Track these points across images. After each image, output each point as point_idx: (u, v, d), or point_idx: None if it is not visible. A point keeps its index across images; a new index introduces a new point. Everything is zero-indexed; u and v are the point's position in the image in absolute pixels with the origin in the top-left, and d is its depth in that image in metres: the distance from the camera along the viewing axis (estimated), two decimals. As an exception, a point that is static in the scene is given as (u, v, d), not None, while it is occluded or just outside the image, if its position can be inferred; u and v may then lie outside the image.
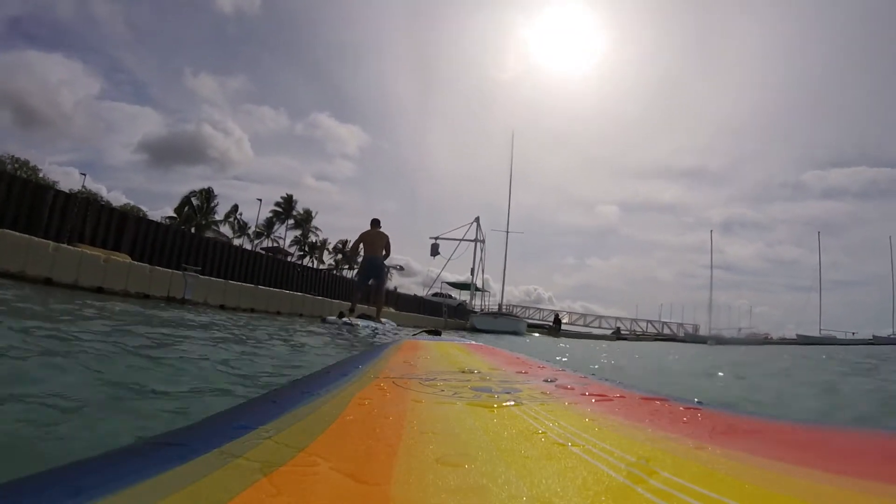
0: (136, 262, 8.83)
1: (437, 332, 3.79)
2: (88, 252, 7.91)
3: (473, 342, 2.96)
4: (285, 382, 1.64)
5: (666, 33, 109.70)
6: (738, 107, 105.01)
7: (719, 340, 34.66)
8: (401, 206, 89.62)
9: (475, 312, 29.07)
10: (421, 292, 28.49)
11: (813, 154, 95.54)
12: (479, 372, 1.32)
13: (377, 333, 7.39)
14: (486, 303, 34.94)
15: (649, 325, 42.16)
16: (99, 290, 7.66)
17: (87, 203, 9.63)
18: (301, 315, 10.91)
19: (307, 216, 46.71)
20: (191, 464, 0.46)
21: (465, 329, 21.75)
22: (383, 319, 9.43)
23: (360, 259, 9.77)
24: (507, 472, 0.47)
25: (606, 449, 0.53)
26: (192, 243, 11.58)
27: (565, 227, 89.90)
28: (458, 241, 30.84)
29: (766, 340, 37.13)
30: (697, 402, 0.87)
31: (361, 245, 9.36)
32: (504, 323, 23.54)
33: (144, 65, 79.02)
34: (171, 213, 39.61)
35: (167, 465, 0.45)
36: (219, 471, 0.44)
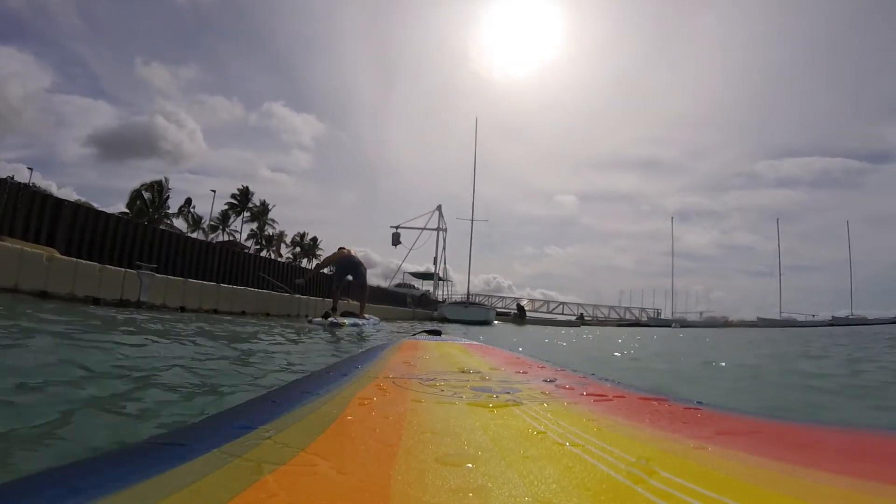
0: (83, 261, 7.36)
1: (437, 332, 3.78)
2: (29, 249, 6.51)
3: (474, 342, 2.96)
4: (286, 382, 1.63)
5: (625, 27, 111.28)
6: (695, 99, 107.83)
7: (683, 324, 35.28)
8: (359, 197, 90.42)
9: (442, 302, 28.79)
10: (381, 284, 26.67)
11: (767, 144, 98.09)
12: (478, 372, 1.32)
13: (362, 330, 7.38)
14: (449, 292, 34.70)
15: (611, 310, 42.52)
16: (42, 295, 6.36)
17: (17, 188, 7.70)
18: (268, 314, 9.96)
19: (263, 208, 45.40)
20: (191, 464, 0.46)
21: (433, 319, 21.32)
22: (367, 315, 9.40)
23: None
24: (508, 472, 0.47)
25: (606, 449, 0.53)
26: (144, 236, 9.87)
27: (524, 217, 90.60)
28: (419, 231, 30.54)
29: (726, 323, 37.82)
30: (697, 402, 0.87)
31: (330, 261, 9.59)
32: (474, 312, 23.27)
33: (97, 56, 78.53)
34: (123, 209, 36.95)
35: (167, 465, 0.45)
36: (219, 471, 0.44)
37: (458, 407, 0.80)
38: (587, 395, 0.95)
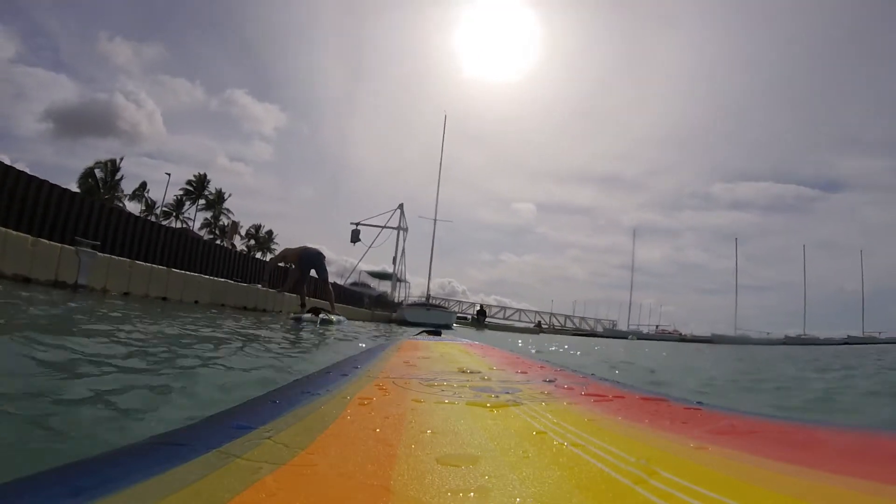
0: (12, 231, 6.30)
1: (437, 333, 3.78)
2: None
3: (474, 342, 2.96)
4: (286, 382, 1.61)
5: (592, 46, 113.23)
6: (656, 120, 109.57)
7: (639, 336, 35.63)
8: (318, 192, 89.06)
9: (399, 304, 27.94)
10: (337, 282, 24.82)
11: (723, 167, 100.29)
12: (479, 372, 1.32)
13: (344, 328, 7.29)
14: (407, 294, 33.44)
15: (567, 319, 42.55)
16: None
17: None
18: (223, 305, 8.96)
19: (219, 197, 43.02)
20: (191, 464, 0.46)
21: (392, 321, 20.75)
22: (338, 313, 9.23)
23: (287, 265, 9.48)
24: (508, 472, 0.47)
25: (607, 449, 0.53)
26: (81, 210, 8.53)
27: (481, 223, 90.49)
28: (380, 229, 29.15)
29: (680, 338, 38.18)
30: (697, 402, 0.87)
31: (289, 256, 9.32)
32: (435, 315, 22.47)
33: (64, 28, 72.27)
34: (74, 188, 35.17)
35: (167, 465, 0.45)
36: (219, 471, 0.44)
37: (459, 407, 0.80)
38: (587, 395, 0.95)
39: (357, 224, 29.04)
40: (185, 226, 38.73)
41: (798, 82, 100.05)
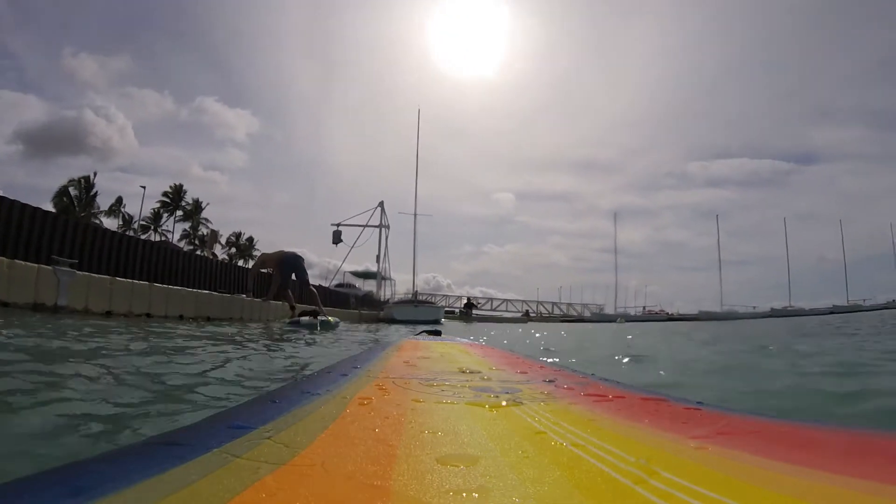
0: None
1: (437, 333, 3.79)
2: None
3: (474, 342, 2.96)
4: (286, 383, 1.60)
5: (563, 31, 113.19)
6: (629, 102, 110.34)
7: (627, 318, 35.51)
8: (296, 196, 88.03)
9: (386, 302, 27.35)
10: (322, 284, 23.56)
11: (698, 146, 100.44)
12: (479, 372, 1.32)
13: (336, 328, 7.45)
14: (392, 292, 32.88)
15: (554, 306, 42.50)
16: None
17: None
18: (209, 318, 8.49)
19: (197, 207, 42.74)
20: (191, 464, 0.46)
21: (380, 320, 20.27)
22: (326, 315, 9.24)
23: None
24: (508, 472, 0.47)
25: (607, 449, 0.53)
26: (55, 229, 8.30)
27: (463, 216, 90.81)
28: (361, 228, 28.89)
29: (668, 317, 38.27)
30: (697, 402, 0.87)
31: (268, 262, 9.35)
32: (423, 311, 21.86)
33: (28, 48, 72.77)
34: (49, 208, 33.92)
35: (167, 465, 0.45)
36: (219, 471, 0.44)
37: (459, 407, 0.80)
38: (587, 395, 0.95)
39: (338, 225, 28.70)
40: (164, 238, 38.22)
41: (767, 57, 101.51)
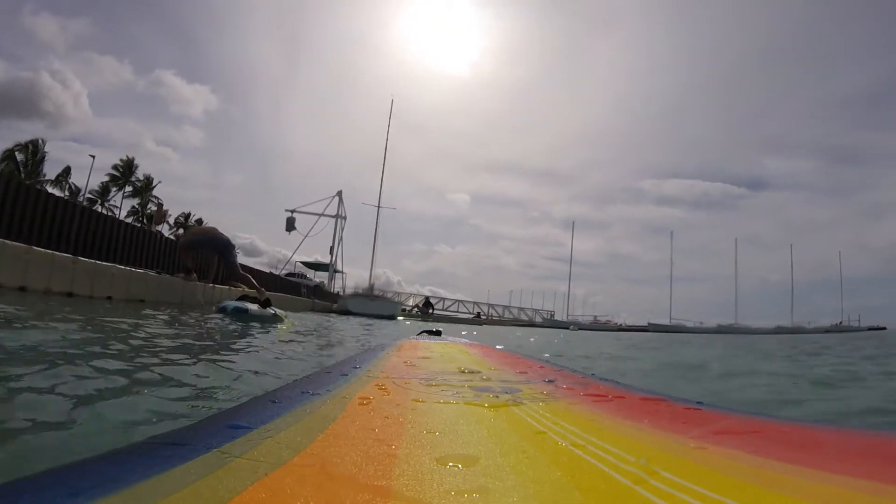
0: None
1: (437, 333, 3.79)
2: None
3: (474, 342, 2.96)
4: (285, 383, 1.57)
5: (532, 42, 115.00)
6: (590, 116, 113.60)
7: (580, 326, 35.91)
8: (250, 179, 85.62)
9: (338, 294, 26.72)
10: (272, 272, 22.62)
11: (653, 165, 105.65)
12: (479, 372, 1.32)
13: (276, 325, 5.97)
14: (343, 285, 31.59)
15: (506, 310, 42.24)
16: None
17: None
18: (143, 301, 7.26)
19: (147, 184, 40.10)
20: (191, 464, 0.46)
21: (333, 311, 19.60)
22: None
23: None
24: (508, 472, 0.47)
25: (607, 449, 0.53)
26: None
27: (416, 213, 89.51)
28: (317, 216, 27.93)
29: (618, 327, 38.76)
30: (697, 402, 0.87)
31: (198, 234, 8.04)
32: (380, 306, 21.24)
33: None
34: None
35: (167, 465, 0.45)
36: (219, 471, 0.44)
37: (459, 407, 0.80)
38: (587, 395, 0.95)
39: (293, 211, 27.54)
40: (110, 213, 35.80)
41: (728, 84, 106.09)
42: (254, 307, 6.34)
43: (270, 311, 6.59)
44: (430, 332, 3.78)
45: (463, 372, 1.32)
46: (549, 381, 1.13)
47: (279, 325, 5.91)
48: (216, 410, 0.82)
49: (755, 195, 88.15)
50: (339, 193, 28.92)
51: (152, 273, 8.13)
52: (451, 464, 0.49)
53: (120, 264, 7.84)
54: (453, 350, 2.19)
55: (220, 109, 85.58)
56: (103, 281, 7.04)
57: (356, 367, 1.35)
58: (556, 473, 0.46)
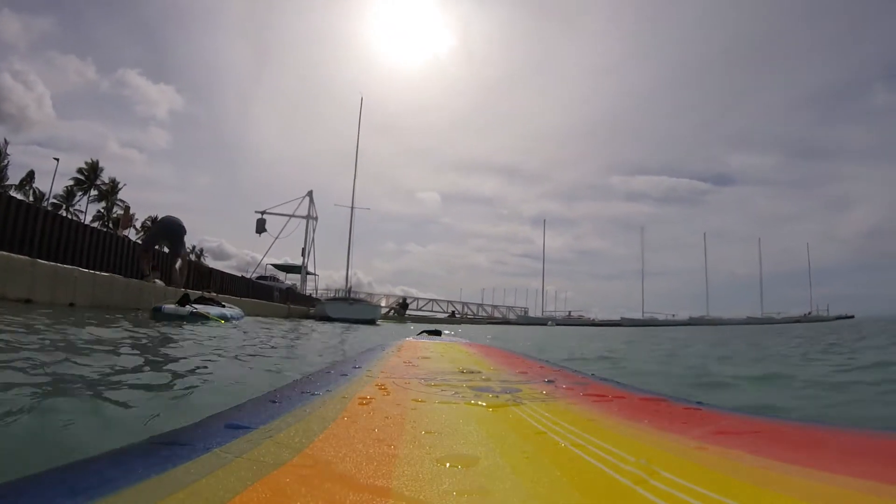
0: None
1: (437, 333, 3.79)
2: None
3: (474, 342, 2.96)
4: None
5: (501, 41, 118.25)
6: (560, 114, 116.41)
7: (557, 322, 36.37)
8: (217, 181, 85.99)
9: (309, 297, 25.92)
10: (242, 276, 21.17)
11: (621, 162, 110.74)
12: (479, 372, 1.32)
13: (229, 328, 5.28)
14: (315, 286, 31.34)
15: (480, 308, 42.30)
16: None
17: None
18: (108, 307, 6.69)
19: (113, 187, 39.28)
20: (191, 464, 0.46)
21: (310, 317, 19.15)
22: (225, 304, 7.19)
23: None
24: (508, 472, 0.47)
25: (607, 449, 0.53)
26: None
27: (387, 213, 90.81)
28: (287, 217, 27.12)
29: (592, 322, 39.02)
30: (697, 402, 0.87)
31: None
32: (359, 310, 20.08)
33: None
34: None
35: (167, 465, 0.45)
36: (219, 471, 0.44)
37: (459, 407, 0.80)
38: (587, 395, 0.95)
39: (263, 213, 26.84)
40: (75, 218, 33.79)
41: (694, 82, 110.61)
42: (171, 307, 5.66)
43: (187, 308, 5.64)
44: (430, 332, 3.78)
45: (463, 372, 1.32)
46: (549, 381, 1.13)
47: (209, 324, 5.25)
48: (216, 410, 0.80)
49: (721, 190, 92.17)
50: (310, 194, 28.29)
51: (120, 277, 7.35)
52: (451, 464, 0.49)
53: (85, 268, 7.18)
54: (453, 350, 2.19)
55: (186, 109, 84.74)
56: (66, 286, 6.39)
57: (356, 367, 1.35)
58: (556, 473, 0.46)
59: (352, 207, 28.28)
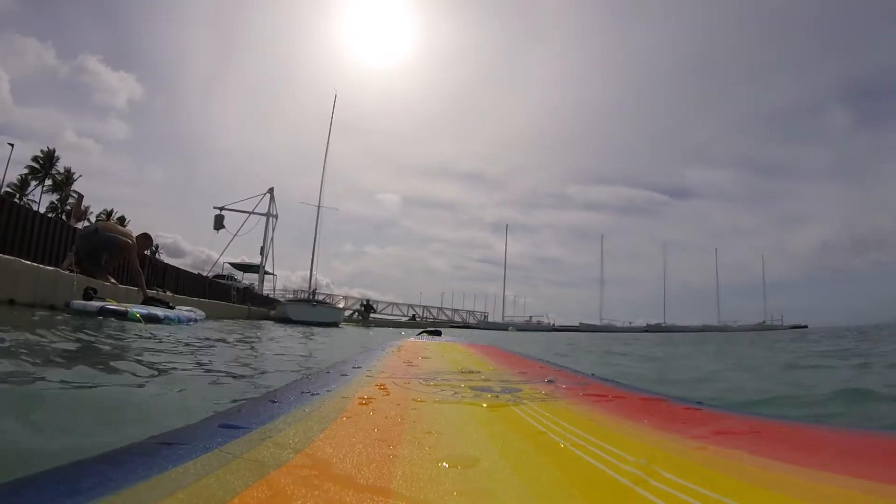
0: None
1: (437, 333, 3.79)
2: None
3: (474, 343, 2.96)
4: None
5: (467, 48, 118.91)
6: (520, 123, 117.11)
7: (518, 327, 36.37)
8: (174, 175, 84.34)
9: (267, 297, 25.13)
10: (199, 273, 19.81)
11: (580, 171, 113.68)
12: (479, 372, 1.32)
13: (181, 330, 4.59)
14: (273, 286, 30.37)
15: (440, 311, 42.20)
16: None
17: None
18: (52, 307, 5.42)
19: (68, 177, 37.69)
20: (191, 464, 0.46)
21: (271, 318, 18.44)
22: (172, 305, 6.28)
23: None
24: (508, 472, 0.47)
25: (607, 449, 0.53)
26: None
27: (346, 214, 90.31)
28: (247, 214, 26.08)
29: (552, 327, 39.42)
30: (697, 402, 0.87)
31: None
32: (322, 313, 19.35)
33: None
34: None
35: (167, 465, 0.45)
36: (219, 471, 0.44)
37: (459, 407, 0.80)
38: (587, 395, 0.95)
39: (221, 209, 25.80)
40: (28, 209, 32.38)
41: (654, 96, 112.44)
42: (80, 302, 4.86)
43: (95, 304, 4.76)
44: (430, 332, 3.78)
45: (463, 372, 1.32)
46: (549, 381, 1.13)
47: (138, 325, 4.30)
48: (216, 410, 0.80)
49: (678, 203, 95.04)
50: (271, 191, 27.38)
51: (66, 272, 6.05)
52: (451, 464, 0.49)
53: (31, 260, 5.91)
54: (453, 350, 2.19)
55: (146, 99, 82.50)
56: (7, 279, 5.31)
57: (356, 367, 1.35)
58: (556, 473, 0.46)
59: (319, 206, 27.50)
